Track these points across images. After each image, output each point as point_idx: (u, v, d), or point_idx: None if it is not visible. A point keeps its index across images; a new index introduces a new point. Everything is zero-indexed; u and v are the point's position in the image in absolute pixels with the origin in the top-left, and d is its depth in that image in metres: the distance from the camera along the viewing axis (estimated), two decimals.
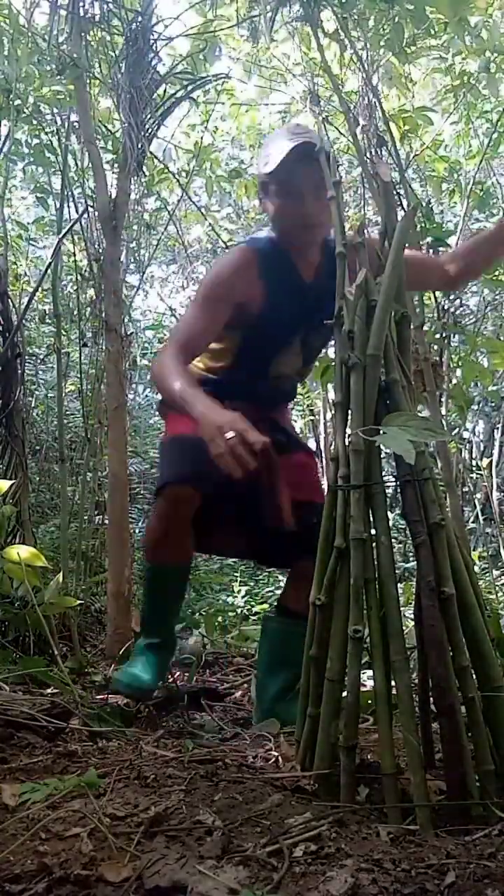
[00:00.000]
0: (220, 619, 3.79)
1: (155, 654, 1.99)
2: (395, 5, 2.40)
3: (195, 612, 4.04)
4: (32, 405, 5.51)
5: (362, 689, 1.35)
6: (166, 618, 2.04)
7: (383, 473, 1.37)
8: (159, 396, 2.07)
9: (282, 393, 2.08)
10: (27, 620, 2.35)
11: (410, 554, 4.86)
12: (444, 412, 3.24)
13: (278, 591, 4.78)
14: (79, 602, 2.28)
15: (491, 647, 1.27)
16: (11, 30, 3.10)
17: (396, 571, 1.32)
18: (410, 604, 2.43)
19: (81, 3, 3.02)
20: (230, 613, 4.19)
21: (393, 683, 1.25)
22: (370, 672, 1.33)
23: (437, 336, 2.95)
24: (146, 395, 7.57)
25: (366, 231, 1.50)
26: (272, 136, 1.95)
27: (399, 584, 1.42)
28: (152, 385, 2.07)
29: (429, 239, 2.61)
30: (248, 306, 1.84)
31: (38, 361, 5.73)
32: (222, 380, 1.96)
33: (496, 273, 2.99)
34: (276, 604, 2.09)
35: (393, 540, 1.35)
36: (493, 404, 5.82)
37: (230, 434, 1.43)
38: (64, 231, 3.20)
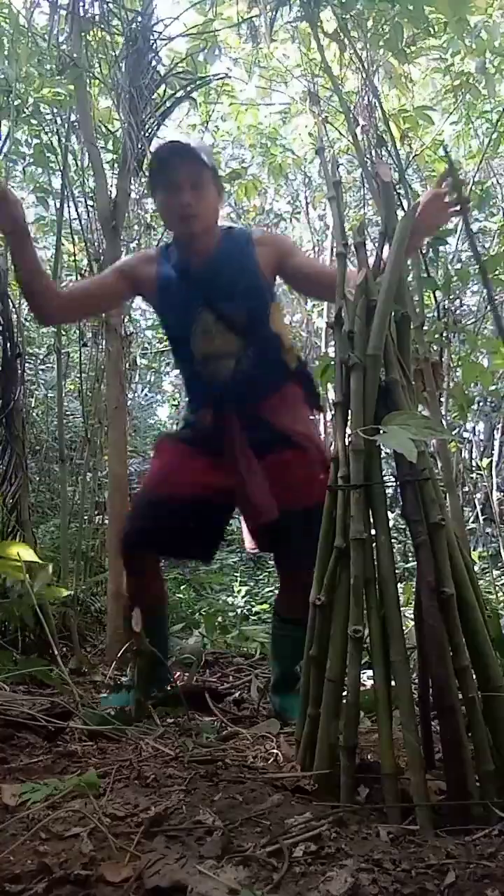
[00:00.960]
0: (220, 619, 3.79)
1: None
2: (395, 5, 2.40)
3: (195, 612, 4.04)
4: (32, 405, 5.51)
5: (362, 689, 1.35)
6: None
7: (383, 473, 1.37)
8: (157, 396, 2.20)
9: (238, 380, 1.97)
10: (16, 612, 2.36)
11: (410, 554, 4.86)
12: (443, 412, 3.24)
13: (278, 591, 4.77)
14: (68, 593, 2.29)
15: (491, 647, 1.27)
16: (11, 30, 3.10)
17: (396, 571, 1.32)
18: (410, 604, 2.43)
19: (81, 3, 3.02)
20: (230, 613, 4.20)
21: (393, 683, 1.25)
22: (370, 672, 1.33)
23: (437, 336, 2.95)
24: (146, 395, 7.58)
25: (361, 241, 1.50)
26: (159, 145, 2.10)
27: (399, 584, 1.42)
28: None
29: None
30: (149, 296, 2.06)
31: (38, 361, 5.73)
32: (188, 397, 2.16)
33: (496, 272, 2.99)
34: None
35: (393, 540, 1.35)
36: (493, 404, 5.82)
37: None
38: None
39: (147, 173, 2.02)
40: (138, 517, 2.05)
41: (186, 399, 2.15)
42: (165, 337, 2.19)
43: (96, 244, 3.42)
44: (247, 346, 1.96)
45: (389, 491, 1.43)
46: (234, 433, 1.96)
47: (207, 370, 1.98)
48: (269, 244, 2.00)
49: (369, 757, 1.43)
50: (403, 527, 4.48)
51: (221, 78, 3.86)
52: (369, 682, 1.48)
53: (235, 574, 5.14)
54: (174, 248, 2.02)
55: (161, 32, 3.16)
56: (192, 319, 1.96)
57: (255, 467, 1.93)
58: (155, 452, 2.21)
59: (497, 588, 4.19)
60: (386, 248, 1.46)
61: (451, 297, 4.07)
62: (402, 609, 1.30)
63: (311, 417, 2.15)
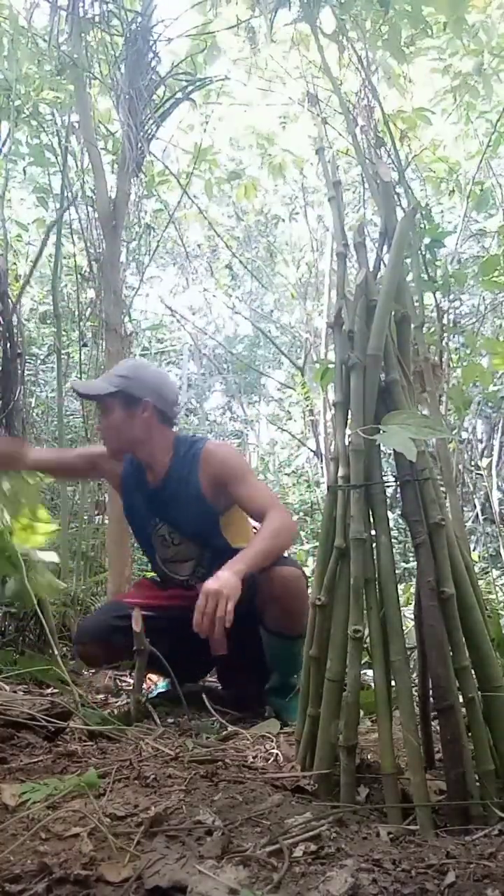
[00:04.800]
0: None
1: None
2: (389, 7, 2.40)
3: None
4: (32, 405, 5.50)
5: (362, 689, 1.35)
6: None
7: (383, 473, 1.37)
8: None
9: (199, 578, 2.03)
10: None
11: (410, 554, 4.86)
12: (443, 412, 3.23)
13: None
14: (64, 585, 2.32)
15: (491, 647, 1.27)
16: (11, 30, 3.10)
17: (396, 571, 1.32)
18: (410, 604, 2.43)
19: (81, 4, 3.02)
20: None
21: (393, 683, 1.25)
22: (370, 672, 1.33)
23: (436, 338, 2.95)
24: None
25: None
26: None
27: (399, 584, 1.42)
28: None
29: (427, 240, 2.61)
30: (115, 489, 2.30)
31: (39, 361, 5.73)
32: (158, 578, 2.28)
33: (494, 274, 2.99)
34: None
35: (393, 540, 1.35)
36: (492, 405, 5.82)
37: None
38: (53, 227, 3.19)
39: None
40: (92, 621, 2.20)
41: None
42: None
43: (96, 244, 3.42)
44: (203, 551, 2.11)
45: (389, 491, 1.43)
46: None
47: (169, 570, 2.17)
48: (214, 466, 2.07)
49: (369, 757, 1.43)
50: (403, 527, 4.48)
51: (221, 80, 3.86)
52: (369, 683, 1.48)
53: None
54: (133, 462, 2.19)
55: (161, 33, 3.16)
56: (151, 529, 2.15)
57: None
58: (133, 587, 2.40)
59: (497, 588, 4.19)
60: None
61: (450, 297, 4.07)
62: (402, 609, 1.30)
63: None
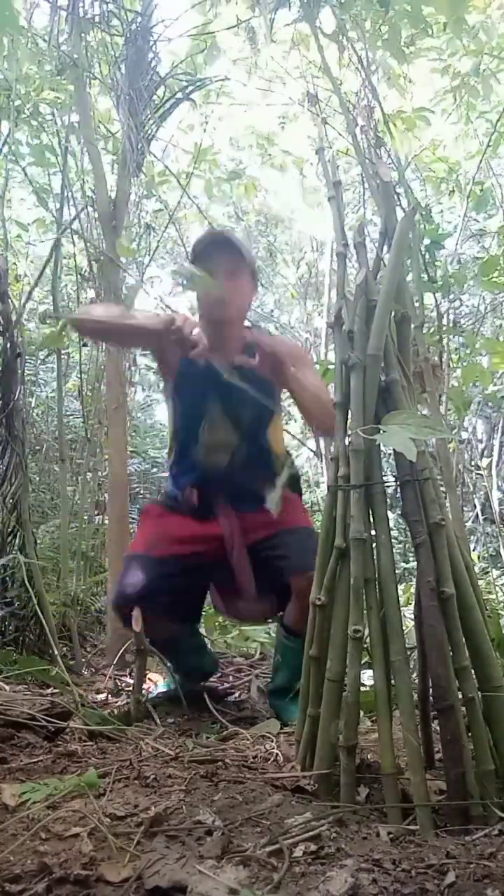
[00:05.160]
0: (220, 618, 3.79)
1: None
2: (394, 6, 2.40)
3: None
4: (32, 405, 5.50)
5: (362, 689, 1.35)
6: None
7: (383, 473, 1.37)
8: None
9: (229, 471, 2.07)
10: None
11: (410, 554, 4.86)
12: (442, 412, 3.23)
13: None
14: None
15: (491, 647, 1.27)
16: (12, 30, 3.10)
17: (396, 571, 1.32)
18: (410, 604, 2.43)
19: (81, 4, 3.02)
20: None
21: (393, 683, 1.25)
22: (370, 672, 1.33)
23: (436, 338, 2.95)
24: (146, 395, 7.57)
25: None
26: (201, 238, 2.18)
27: (399, 584, 1.42)
28: (89, 331, 2.26)
29: (427, 240, 2.61)
30: (170, 371, 2.14)
31: (39, 361, 5.72)
32: (176, 469, 2.19)
33: (494, 274, 2.99)
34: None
35: (393, 540, 1.35)
36: (492, 405, 5.82)
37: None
38: (62, 230, 3.20)
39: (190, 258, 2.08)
40: (135, 577, 2.06)
41: (173, 473, 2.20)
42: (170, 425, 2.22)
43: (96, 244, 3.42)
44: (242, 444, 2.07)
45: (389, 491, 1.43)
46: (222, 510, 2.07)
47: (206, 458, 2.09)
48: (267, 358, 2.03)
49: (369, 757, 1.43)
50: (403, 527, 4.48)
51: (221, 80, 3.86)
52: (369, 682, 1.48)
53: None
54: (201, 335, 2.07)
55: (161, 33, 3.16)
56: (205, 409, 2.07)
57: (243, 554, 2.03)
58: (143, 516, 2.26)
59: (497, 588, 4.19)
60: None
61: (450, 298, 4.07)
62: (402, 609, 1.30)
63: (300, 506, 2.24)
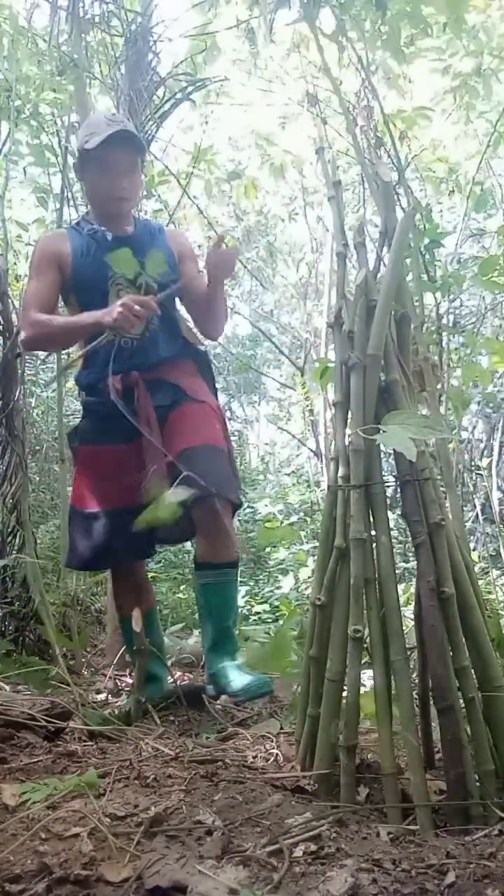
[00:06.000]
0: None
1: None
2: (393, 6, 2.40)
3: (195, 612, 4.04)
4: (32, 405, 5.50)
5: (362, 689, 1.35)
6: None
7: (383, 473, 1.37)
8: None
9: (145, 338, 2.08)
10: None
11: (410, 554, 4.86)
12: (442, 412, 3.23)
13: (278, 591, 4.80)
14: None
15: (491, 647, 1.27)
16: (12, 30, 3.10)
17: (396, 571, 1.32)
18: (410, 604, 2.43)
19: (81, 4, 3.02)
20: None
21: (393, 683, 1.25)
22: (370, 672, 1.33)
23: (435, 338, 2.95)
24: None
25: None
26: (91, 120, 2.27)
27: (399, 584, 1.42)
28: (36, 346, 2.26)
29: (426, 241, 2.61)
30: (64, 269, 2.11)
31: (39, 362, 5.72)
32: (89, 372, 2.15)
33: (494, 274, 2.99)
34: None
35: (393, 540, 1.35)
36: (492, 406, 5.83)
37: (119, 309, 1.84)
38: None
39: (79, 149, 2.11)
40: (80, 538, 2.12)
41: (85, 374, 2.16)
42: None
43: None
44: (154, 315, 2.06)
45: (389, 491, 1.43)
46: (141, 394, 2.03)
47: (118, 334, 2.02)
48: (177, 237, 2.26)
49: (369, 757, 1.43)
50: (403, 527, 4.48)
51: (220, 80, 3.86)
52: (370, 682, 1.48)
53: None
54: (86, 224, 2.15)
55: (161, 34, 3.16)
56: (109, 285, 2.07)
57: (156, 438, 1.96)
58: (76, 461, 2.25)
59: (497, 588, 4.19)
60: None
61: (450, 298, 4.07)
62: (402, 609, 1.30)
63: (210, 391, 2.22)
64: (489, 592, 3.98)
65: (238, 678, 1.93)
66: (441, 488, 1.55)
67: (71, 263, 2.10)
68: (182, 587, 4.89)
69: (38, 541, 3.22)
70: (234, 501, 2.02)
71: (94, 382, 2.11)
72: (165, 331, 2.12)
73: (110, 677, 2.38)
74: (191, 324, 2.24)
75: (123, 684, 2.38)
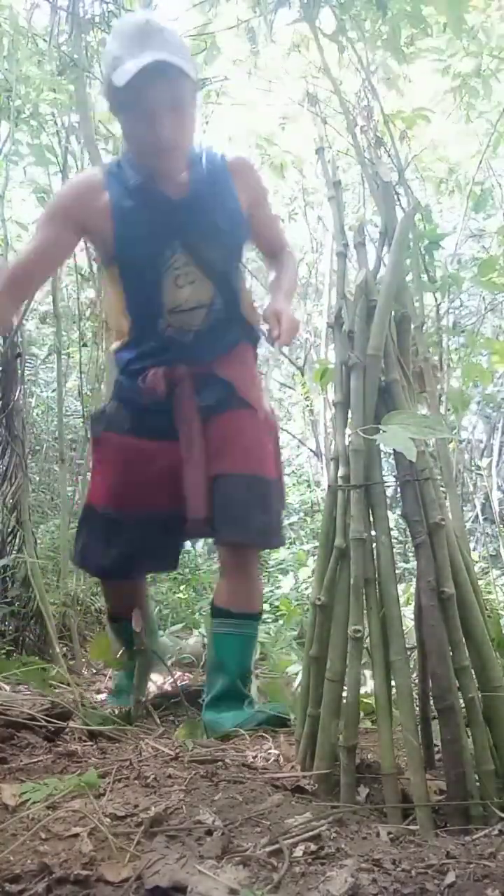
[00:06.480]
0: None
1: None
2: (393, 6, 2.41)
3: (195, 612, 4.04)
4: (32, 405, 5.50)
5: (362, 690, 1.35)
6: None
7: (383, 473, 1.37)
8: None
9: (203, 334, 1.74)
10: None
11: (410, 554, 4.86)
12: (442, 412, 3.23)
13: (278, 591, 4.80)
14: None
15: (491, 647, 1.27)
16: (12, 30, 3.10)
17: (396, 571, 1.32)
18: (410, 604, 2.43)
19: (81, 4, 3.02)
20: None
21: (393, 683, 1.25)
22: (370, 672, 1.33)
23: (435, 338, 2.95)
24: None
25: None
26: (117, 27, 1.68)
27: (399, 584, 1.41)
28: None
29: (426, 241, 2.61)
30: (95, 231, 1.69)
31: (39, 361, 5.73)
32: (133, 357, 1.81)
33: (493, 274, 2.99)
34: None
35: (393, 540, 1.35)
36: (492, 406, 5.83)
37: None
38: None
39: (105, 78, 1.59)
40: (96, 541, 1.86)
41: (128, 358, 1.81)
42: (117, 301, 1.78)
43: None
44: (217, 296, 1.72)
45: (389, 491, 1.43)
46: (185, 397, 1.74)
47: (175, 324, 1.72)
48: (244, 176, 1.75)
49: (369, 757, 1.43)
50: (403, 527, 4.48)
51: (220, 80, 3.86)
52: (369, 682, 1.48)
53: None
54: (131, 170, 1.67)
55: None
56: (164, 263, 1.66)
57: (197, 451, 1.72)
58: (98, 450, 1.89)
59: (497, 588, 4.19)
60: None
61: (450, 298, 4.07)
62: (402, 609, 1.30)
63: (260, 379, 1.95)
64: (489, 592, 3.98)
65: (230, 721, 1.71)
66: (441, 488, 1.56)
67: (112, 228, 1.66)
68: (182, 587, 4.89)
69: (38, 541, 3.22)
70: (275, 548, 1.80)
71: (138, 369, 1.78)
72: (227, 315, 1.75)
73: (110, 677, 2.37)
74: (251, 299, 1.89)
75: (103, 685, 2.37)
